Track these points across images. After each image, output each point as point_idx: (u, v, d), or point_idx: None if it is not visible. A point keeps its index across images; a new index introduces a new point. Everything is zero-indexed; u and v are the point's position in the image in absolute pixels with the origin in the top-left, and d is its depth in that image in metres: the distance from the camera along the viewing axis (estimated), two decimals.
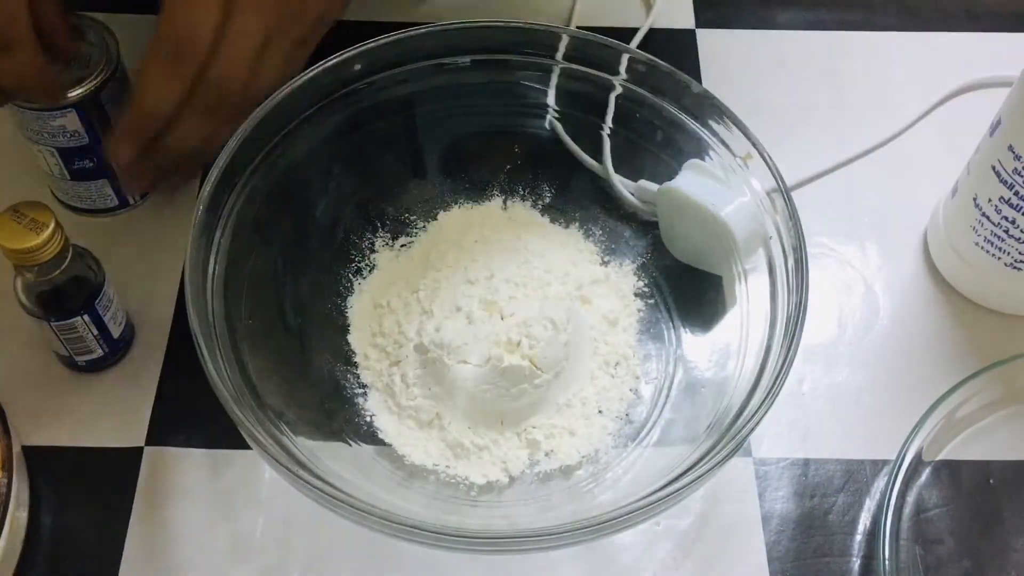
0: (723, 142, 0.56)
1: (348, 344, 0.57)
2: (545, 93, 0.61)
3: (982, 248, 0.58)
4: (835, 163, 0.67)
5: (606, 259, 0.61)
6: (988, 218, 0.57)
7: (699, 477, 0.45)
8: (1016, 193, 0.54)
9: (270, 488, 0.54)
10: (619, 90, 0.59)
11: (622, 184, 0.61)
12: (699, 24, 0.74)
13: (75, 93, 0.55)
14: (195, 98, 0.52)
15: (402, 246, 0.61)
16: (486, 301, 0.55)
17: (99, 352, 0.56)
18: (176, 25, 0.51)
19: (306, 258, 0.59)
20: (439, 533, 0.44)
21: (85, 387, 0.57)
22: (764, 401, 0.47)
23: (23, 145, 0.58)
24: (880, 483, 0.55)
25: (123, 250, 0.60)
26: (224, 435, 0.54)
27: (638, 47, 0.68)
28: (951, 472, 0.56)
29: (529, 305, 0.55)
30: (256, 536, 0.53)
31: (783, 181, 0.53)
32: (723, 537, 0.54)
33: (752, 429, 0.47)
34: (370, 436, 0.54)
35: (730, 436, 0.47)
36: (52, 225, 0.48)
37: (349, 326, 0.58)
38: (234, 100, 0.52)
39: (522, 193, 0.62)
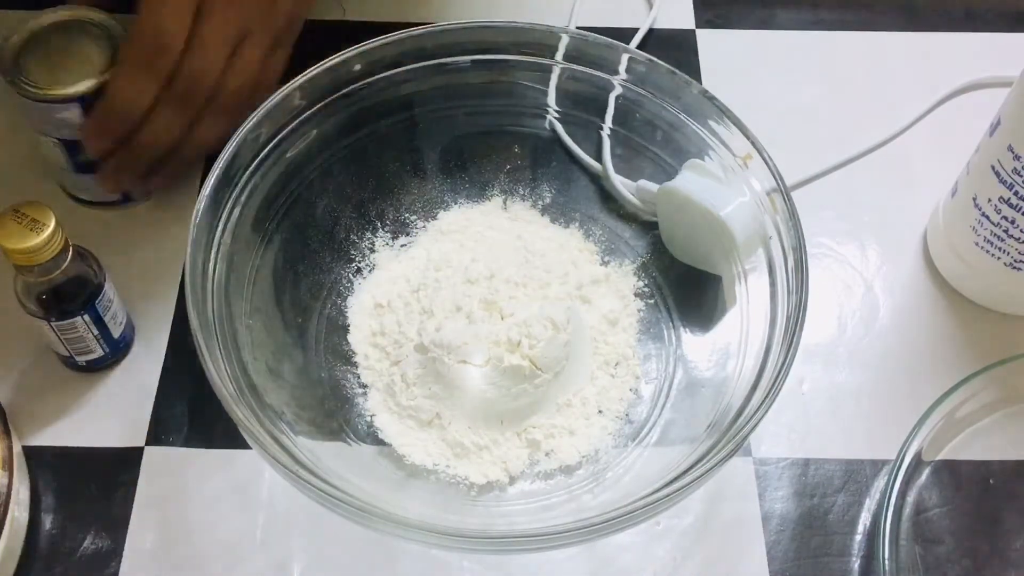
0: (723, 142, 0.56)
1: (348, 344, 0.57)
2: (545, 93, 0.61)
3: (982, 248, 0.58)
4: (835, 163, 0.67)
5: (606, 259, 0.61)
6: (988, 218, 0.57)
7: (699, 477, 0.45)
8: (1016, 193, 0.54)
9: (270, 488, 0.54)
10: (619, 90, 0.59)
11: (622, 184, 0.61)
12: (699, 24, 0.74)
13: (78, 87, 0.55)
14: (168, 95, 0.54)
15: (402, 246, 0.61)
16: (486, 301, 0.55)
17: (99, 352, 0.56)
18: (149, 25, 0.53)
19: (306, 258, 0.59)
20: (439, 533, 0.44)
21: (85, 387, 0.57)
22: (764, 401, 0.47)
23: (33, 135, 0.59)
24: (880, 483, 0.55)
25: (123, 249, 0.60)
26: (224, 435, 0.54)
27: (638, 47, 0.68)
28: (951, 472, 0.56)
29: (529, 305, 0.55)
30: (256, 536, 0.53)
31: (783, 181, 0.53)
32: (723, 537, 0.54)
33: (752, 429, 0.47)
34: (370, 436, 0.54)
35: (730, 436, 0.47)
36: (52, 225, 0.48)
37: (349, 326, 0.58)
38: (207, 97, 0.55)
39: (522, 193, 0.62)
